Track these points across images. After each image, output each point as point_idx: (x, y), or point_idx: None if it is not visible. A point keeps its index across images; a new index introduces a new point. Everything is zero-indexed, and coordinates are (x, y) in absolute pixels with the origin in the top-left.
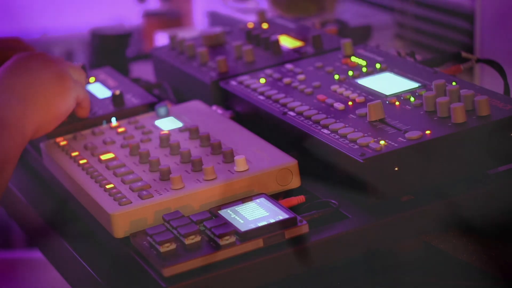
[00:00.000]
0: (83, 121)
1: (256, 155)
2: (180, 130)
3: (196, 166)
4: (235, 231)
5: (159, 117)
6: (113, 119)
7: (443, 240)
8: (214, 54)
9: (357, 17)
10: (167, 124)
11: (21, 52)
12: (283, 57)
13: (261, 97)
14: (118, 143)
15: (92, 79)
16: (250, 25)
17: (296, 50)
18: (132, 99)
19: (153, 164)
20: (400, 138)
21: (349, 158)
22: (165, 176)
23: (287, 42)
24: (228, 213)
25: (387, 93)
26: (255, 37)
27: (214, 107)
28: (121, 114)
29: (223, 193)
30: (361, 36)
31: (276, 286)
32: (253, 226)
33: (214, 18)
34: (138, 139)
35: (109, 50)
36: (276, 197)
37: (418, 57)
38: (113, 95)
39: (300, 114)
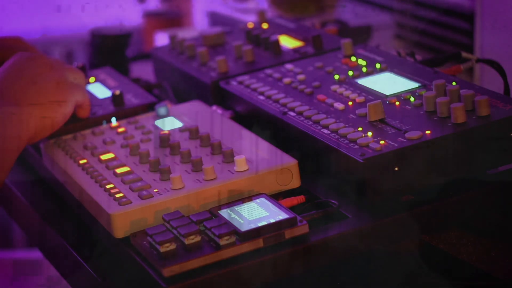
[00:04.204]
0: (83, 121)
1: (256, 155)
2: (180, 130)
3: (196, 166)
4: (235, 231)
5: (159, 117)
6: (113, 119)
7: (443, 240)
8: (214, 54)
9: (357, 17)
10: (167, 124)
11: (21, 52)
12: (283, 57)
13: (261, 97)
14: (118, 143)
15: (92, 79)
16: (250, 25)
17: (296, 50)
18: (132, 99)
19: (153, 164)
20: (400, 138)
21: (349, 158)
22: (165, 176)
23: (287, 42)
24: (228, 213)
25: (387, 93)
26: (255, 37)
27: (214, 107)
28: (121, 114)
29: (223, 193)
30: (361, 36)
31: (276, 286)
32: (253, 226)
33: (214, 18)
34: (138, 139)
35: (109, 50)
36: (276, 197)
37: (418, 57)
38: (113, 95)
39: (300, 114)
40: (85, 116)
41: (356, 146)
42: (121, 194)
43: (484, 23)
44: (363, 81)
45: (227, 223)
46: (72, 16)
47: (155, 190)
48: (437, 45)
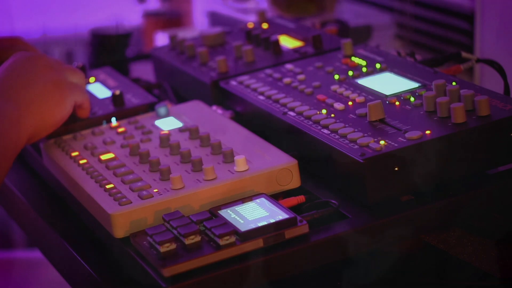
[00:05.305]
0: (83, 121)
1: (256, 155)
2: (180, 130)
3: (196, 166)
4: (235, 231)
5: (159, 117)
6: (113, 119)
7: (443, 240)
8: (214, 54)
9: (357, 17)
10: (167, 124)
11: (20, 52)
12: (283, 57)
13: (261, 97)
14: (118, 143)
15: (92, 79)
16: (250, 25)
17: (296, 50)
18: (132, 99)
19: (153, 164)
20: (400, 138)
21: (349, 158)
22: (165, 176)
23: (287, 42)
24: (228, 213)
25: (387, 93)
26: (255, 37)
27: (214, 107)
28: (121, 114)
29: (223, 193)
30: (361, 36)
31: (277, 286)
32: (253, 226)
33: (214, 18)
34: (138, 139)
35: (109, 50)
36: (276, 197)
37: (418, 57)
38: (113, 95)
39: (300, 114)
40: (85, 116)
41: (356, 146)
42: (121, 194)
43: (484, 23)
44: (363, 81)
45: (227, 223)
46: (72, 16)
47: (155, 190)
48: (437, 45)
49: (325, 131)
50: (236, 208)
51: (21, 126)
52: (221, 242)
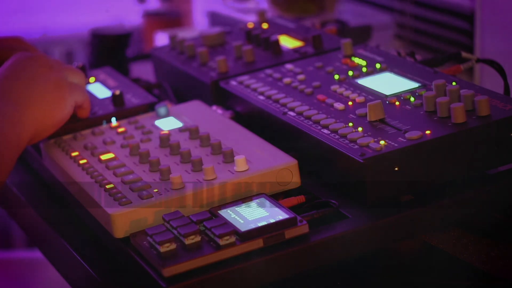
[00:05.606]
0: (83, 121)
1: (256, 155)
2: (180, 130)
3: (196, 166)
4: (235, 231)
5: (159, 117)
6: (113, 119)
7: (443, 240)
8: (214, 54)
9: (357, 17)
10: (167, 124)
11: (21, 52)
12: (283, 57)
13: (261, 97)
14: (118, 143)
15: (92, 79)
16: (250, 25)
17: (296, 50)
18: (132, 99)
19: (153, 164)
20: (400, 138)
21: (349, 158)
22: (165, 176)
23: (287, 42)
24: (228, 213)
25: (387, 93)
26: (255, 37)
27: (214, 107)
28: (121, 114)
29: (223, 193)
30: (361, 36)
31: (276, 286)
32: (253, 226)
33: (214, 18)
34: (138, 139)
35: (109, 50)
36: (276, 197)
37: (418, 57)
38: (113, 95)
39: (300, 114)
40: (85, 116)
41: (356, 146)
42: (121, 194)
43: (484, 23)
44: (363, 81)
45: (227, 223)
46: (72, 16)
47: (155, 190)
48: (437, 45)
49: (325, 131)
50: (236, 208)
51: (22, 127)
52: (221, 242)
